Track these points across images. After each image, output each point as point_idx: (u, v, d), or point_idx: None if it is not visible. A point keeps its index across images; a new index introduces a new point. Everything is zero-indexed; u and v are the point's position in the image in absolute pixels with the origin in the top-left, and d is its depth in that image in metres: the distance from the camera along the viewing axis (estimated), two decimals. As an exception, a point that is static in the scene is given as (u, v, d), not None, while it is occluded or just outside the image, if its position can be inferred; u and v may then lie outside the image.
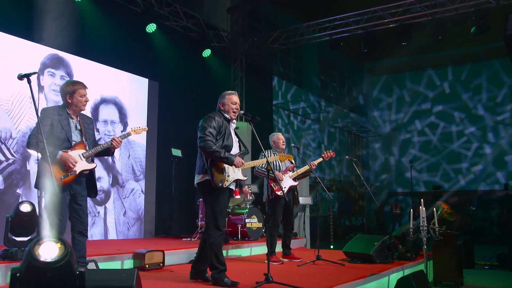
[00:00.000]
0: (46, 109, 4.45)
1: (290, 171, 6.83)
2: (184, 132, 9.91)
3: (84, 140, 4.50)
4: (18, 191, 7.28)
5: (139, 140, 9.32)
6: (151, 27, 9.83)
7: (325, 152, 7.00)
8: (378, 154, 22.82)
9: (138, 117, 9.36)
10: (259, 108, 13.48)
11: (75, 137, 4.48)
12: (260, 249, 7.87)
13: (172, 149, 9.48)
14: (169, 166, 9.49)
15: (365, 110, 23.13)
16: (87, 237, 4.60)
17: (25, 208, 4.83)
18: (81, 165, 4.40)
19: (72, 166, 4.32)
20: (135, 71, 9.42)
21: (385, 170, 22.29)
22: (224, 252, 7.16)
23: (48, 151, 3.59)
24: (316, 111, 18.80)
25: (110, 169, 8.68)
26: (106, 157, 5.02)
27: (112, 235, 8.57)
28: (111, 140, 4.57)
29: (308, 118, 18.28)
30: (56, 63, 7.96)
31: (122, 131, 8.99)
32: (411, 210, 6.20)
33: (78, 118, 4.57)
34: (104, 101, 8.70)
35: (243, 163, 4.67)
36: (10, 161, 7.21)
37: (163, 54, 10.10)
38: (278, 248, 7.13)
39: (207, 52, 11.53)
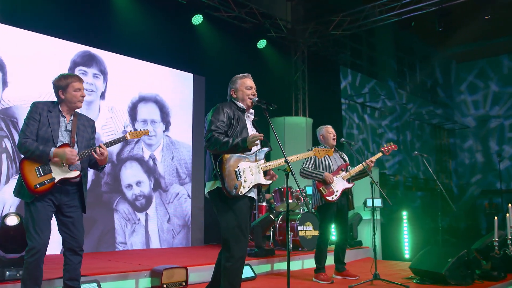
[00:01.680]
0: (36, 103, 3.74)
1: (343, 170, 5.69)
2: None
3: (72, 143, 3.71)
4: (48, 198, 6.77)
5: (184, 139, 8.58)
6: (198, 19, 9.08)
7: (385, 146, 5.79)
8: (467, 147, 20.50)
9: (183, 115, 8.63)
10: (326, 102, 12.32)
11: (62, 137, 3.71)
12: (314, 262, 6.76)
13: (221, 149, 8.64)
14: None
15: (449, 100, 20.94)
16: (81, 255, 3.82)
17: (11, 221, 4.21)
18: (61, 173, 3.62)
19: (74, 157, 3.58)
20: (178, 66, 8.70)
21: (475, 165, 19.97)
22: (267, 267, 6.19)
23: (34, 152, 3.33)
24: (394, 103, 17.12)
25: (151, 172, 8.00)
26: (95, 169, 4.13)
27: (154, 244, 7.88)
28: (93, 149, 3.71)
29: (385, 111, 16.63)
30: (87, 60, 7.41)
31: (164, 131, 8.30)
32: (495, 218, 4.84)
33: (72, 118, 3.81)
34: (143, 99, 8.04)
35: (258, 137, 3.57)
36: (39, 166, 6.72)
37: (210, 46, 9.32)
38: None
39: (262, 43, 10.60)
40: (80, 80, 3.78)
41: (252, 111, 3.98)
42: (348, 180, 5.70)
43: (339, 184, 5.60)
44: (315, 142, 10.45)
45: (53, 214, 3.72)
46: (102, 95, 7.51)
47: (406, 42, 18.33)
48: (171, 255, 6.95)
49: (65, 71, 6.92)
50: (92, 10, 7.51)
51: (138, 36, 8.00)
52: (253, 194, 3.78)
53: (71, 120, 3.79)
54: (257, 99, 3.87)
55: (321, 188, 5.54)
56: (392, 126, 16.91)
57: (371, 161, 5.73)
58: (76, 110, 3.85)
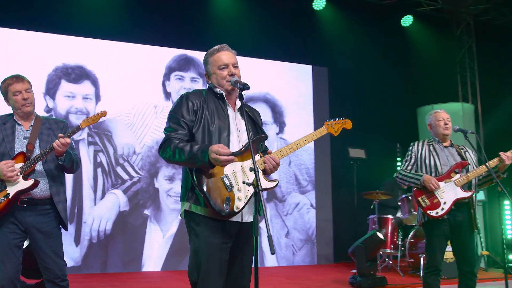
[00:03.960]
0: None
1: (456, 173, 3.94)
2: (367, 126, 7.59)
3: (29, 150, 3.12)
4: (146, 212, 6.49)
5: (304, 142, 7.47)
6: (320, 3, 7.94)
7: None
8: None
9: (300, 113, 7.56)
10: (505, 86, 9.70)
11: (20, 147, 3.16)
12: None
13: (349, 149, 7.32)
14: (348, 171, 7.35)
15: None
16: (64, 286, 3.19)
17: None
18: (15, 186, 3.04)
19: (10, 172, 2.98)
20: (292, 58, 7.69)
21: None
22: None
23: None
24: None
25: (263, 180, 7.13)
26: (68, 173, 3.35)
27: (270, 262, 6.98)
28: (50, 146, 3.03)
29: None
30: (184, 64, 6.98)
31: (277, 133, 7.37)
32: None
33: (33, 123, 3.25)
34: (250, 99, 7.26)
35: (227, 159, 2.38)
36: (135, 179, 6.50)
37: (331, 32, 8.03)
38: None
39: (407, 20, 8.80)
40: (19, 81, 3.17)
41: (242, 94, 2.78)
42: (467, 187, 3.93)
43: (449, 193, 3.87)
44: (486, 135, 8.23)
45: (21, 240, 3.17)
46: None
47: None
48: (292, 274, 6.06)
49: (160, 79, 6.63)
50: (187, 12, 7.07)
51: (241, 32, 7.25)
52: (246, 216, 2.59)
53: (31, 125, 3.22)
54: (236, 79, 2.66)
55: (419, 199, 3.92)
56: None
57: (507, 157, 3.88)
58: (38, 114, 3.29)
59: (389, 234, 6.12)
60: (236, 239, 2.56)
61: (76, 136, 6.25)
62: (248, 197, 2.50)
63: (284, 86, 7.52)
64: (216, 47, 2.73)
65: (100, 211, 6.30)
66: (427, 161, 4.03)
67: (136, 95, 6.59)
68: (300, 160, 7.45)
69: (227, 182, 2.45)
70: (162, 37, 6.84)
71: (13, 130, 3.19)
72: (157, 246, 6.46)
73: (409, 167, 4.08)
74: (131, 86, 6.55)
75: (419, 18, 8.90)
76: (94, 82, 6.50)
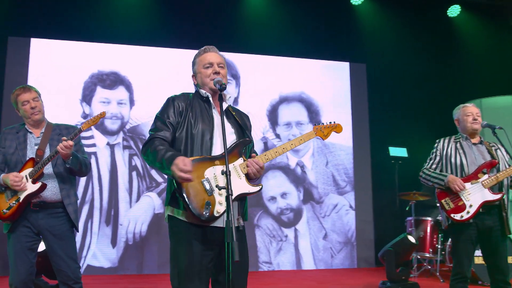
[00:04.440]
0: (3, 130, 3.46)
1: (484, 173, 3.64)
2: (409, 124, 7.26)
3: (39, 155, 3.23)
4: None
5: (341, 141, 7.26)
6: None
7: None
8: None
9: (337, 111, 7.32)
10: None
11: (32, 154, 3.29)
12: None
13: (390, 148, 7.03)
14: (389, 171, 7.06)
15: None
16: None
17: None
18: (27, 189, 3.15)
19: (17, 182, 3.11)
20: (328, 56, 7.47)
21: None
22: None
23: None
24: None
25: (299, 182, 7.00)
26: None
27: (307, 264, 6.83)
28: (55, 150, 3.12)
29: None
30: (216, 66, 6.96)
31: (313, 133, 7.18)
32: None
33: (44, 130, 3.37)
34: (284, 100, 7.15)
35: (184, 176, 2.28)
36: (170, 182, 6.57)
37: (369, 26, 7.75)
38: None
39: (454, 10, 8.32)
40: (26, 91, 3.30)
41: (229, 96, 2.71)
42: (498, 188, 3.63)
43: (475, 195, 3.59)
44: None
45: (35, 243, 3.27)
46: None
47: None
48: (325, 278, 5.94)
49: (191, 81, 6.64)
50: (219, 13, 7.07)
51: (274, 31, 7.16)
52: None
53: (42, 132, 3.33)
54: (219, 78, 2.58)
55: (443, 201, 3.67)
56: None
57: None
58: (49, 121, 3.40)
59: (427, 237, 5.79)
60: (221, 246, 2.47)
61: (111, 141, 6.44)
62: (230, 201, 2.41)
63: (320, 84, 7.33)
64: (203, 48, 2.70)
65: (136, 214, 6.42)
66: (452, 160, 3.76)
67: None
68: (338, 160, 7.24)
69: (207, 186, 2.38)
70: (193, 40, 6.86)
71: (25, 138, 3.34)
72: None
73: (434, 166, 3.83)
74: (163, 89, 6.58)
75: (468, 7, 8.38)
76: (128, 87, 6.65)
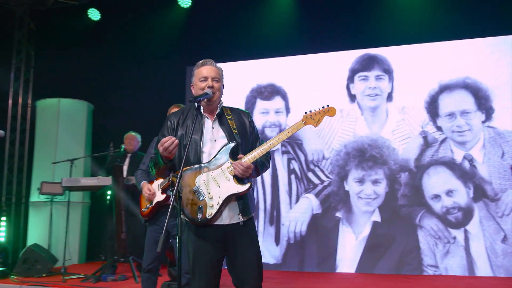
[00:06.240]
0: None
1: None
2: None
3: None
4: (338, 214, 6.66)
5: (521, 128, 6.21)
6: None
7: None
8: None
9: (507, 98, 6.29)
10: None
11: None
12: None
13: None
14: None
15: None
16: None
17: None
18: (157, 197, 3.98)
19: (147, 195, 3.98)
20: (492, 31, 6.45)
21: None
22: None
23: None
24: None
25: (468, 177, 6.28)
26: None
27: (482, 270, 6.06)
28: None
29: None
30: (367, 64, 6.84)
31: (483, 122, 6.34)
32: None
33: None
34: (445, 88, 6.51)
35: (167, 142, 2.60)
36: (326, 183, 6.76)
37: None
38: None
39: None
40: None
41: (217, 109, 2.91)
42: None
43: None
44: None
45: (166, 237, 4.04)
46: (389, 97, 6.68)
47: None
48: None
49: (343, 83, 6.82)
50: (361, 11, 6.92)
51: (424, 16, 6.63)
52: (227, 219, 2.73)
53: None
54: (206, 91, 2.80)
55: None
56: None
57: None
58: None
59: None
60: (226, 241, 2.73)
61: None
62: (220, 203, 2.66)
63: (487, 66, 6.41)
64: (200, 61, 2.95)
65: (296, 214, 6.83)
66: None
67: (322, 102, 6.84)
68: (518, 150, 6.21)
69: (198, 192, 2.68)
70: (342, 41, 6.92)
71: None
72: (350, 248, 6.55)
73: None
74: (316, 94, 6.86)
75: None
76: (284, 97, 7.12)
